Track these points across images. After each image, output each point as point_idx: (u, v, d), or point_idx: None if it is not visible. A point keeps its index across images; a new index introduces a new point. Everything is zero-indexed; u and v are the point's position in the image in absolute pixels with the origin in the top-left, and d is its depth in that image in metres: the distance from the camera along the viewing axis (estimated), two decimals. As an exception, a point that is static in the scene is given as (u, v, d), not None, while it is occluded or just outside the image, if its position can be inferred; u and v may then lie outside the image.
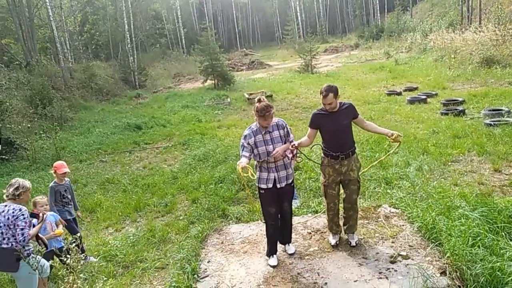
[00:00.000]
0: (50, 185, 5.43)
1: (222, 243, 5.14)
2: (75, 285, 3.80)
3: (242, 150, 4.25)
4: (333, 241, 4.66)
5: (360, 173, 4.62)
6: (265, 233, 4.60)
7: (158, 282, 4.57)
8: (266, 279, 4.17)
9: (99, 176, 9.51)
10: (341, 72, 23.41)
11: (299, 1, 53.52)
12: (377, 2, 46.04)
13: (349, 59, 30.51)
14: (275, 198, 4.38)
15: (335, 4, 58.53)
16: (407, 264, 4.06)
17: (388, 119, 11.06)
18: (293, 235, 4.80)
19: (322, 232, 5.02)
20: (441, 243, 4.20)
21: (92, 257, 5.35)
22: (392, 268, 4.03)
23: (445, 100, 11.82)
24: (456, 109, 10.41)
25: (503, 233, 4.12)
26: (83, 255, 4.21)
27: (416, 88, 15.12)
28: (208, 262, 4.66)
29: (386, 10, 45.65)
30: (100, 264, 5.10)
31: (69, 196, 5.48)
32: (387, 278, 3.89)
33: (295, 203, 6.05)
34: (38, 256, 3.93)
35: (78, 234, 4.84)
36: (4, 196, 3.92)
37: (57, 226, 4.88)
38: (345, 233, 4.70)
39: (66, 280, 3.86)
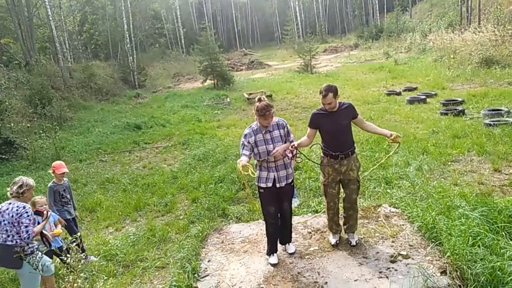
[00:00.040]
0: (48, 185, 5.43)
1: (222, 242, 5.14)
2: (75, 285, 3.80)
3: (242, 148, 4.26)
4: (333, 241, 4.66)
5: (361, 174, 4.62)
6: (265, 232, 4.61)
7: (159, 282, 4.57)
8: (267, 278, 4.17)
9: (99, 175, 9.51)
10: (340, 72, 23.42)
11: (298, 1, 53.52)
12: (377, 2, 46.09)
13: (349, 59, 30.54)
14: (275, 197, 4.39)
15: (335, 4, 58.55)
16: (407, 264, 4.06)
17: (388, 119, 11.07)
18: (293, 235, 4.80)
19: (322, 232, 5.02)
20: (441, 242, 4.21)
21: (92, 256, 5.35)
22: (393, 268, 4.04)
23: (444, 100, 11.83)
24: (456, 109, 10.42)
25: (503, 233, 4.13)
26: (83, 255, 4.21)
27: (415, 88, 15.14)
28: (209, 261, 4.66)
29: (385, 10, 45.71)
30: (101, 263, 5.10)
31: (68, 196, 5.48)
32: (387, 277, 3.90)
33: (295, 202, 6.07)
34: (39, 255, 3.94)
35: (78, 234, 4.84)
36: (8, 194, 3.98)
37: (55, 226, 4.88)
38: (345, 232, 4.71)
39: (66, 279, 3.87)
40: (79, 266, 3.81)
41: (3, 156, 11.36)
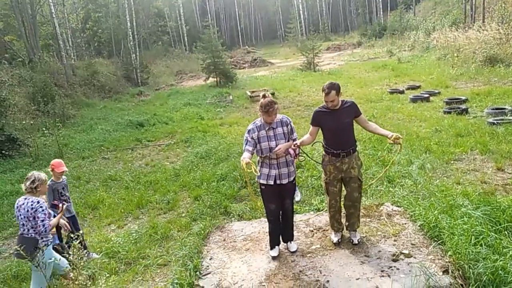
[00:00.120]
0: (47, 183, 5.42)
1: (224, 240, 5.15)
2: (77, 282, 3.82)
3: (246, 144, 4.29)
4: (335, 239, 4.66)
5: (368, 185, 4.59)
6: (267, 230, 4.62)
7: (160, 279, 4.59)
8: (268, 276, 4.18)
9: (101, 173, 9.54)
10: (343, 70, 23.36)
11: (301, -2, 53.40)
12: (380, 0, 45.88)
13: (352, 57, 30.45)
14: (276, 194, 4.40)
15: (338, 2, 58.31)
16: (409, 263, 4.05)
17: (391, 117, 11.04)
18: (295, 233, 4.80)
19: (324, 230, 5.02)
20: (444, 241, 4.20)
21: (94, 254, 5.36)
22: (394, 266, 4.03)
23: (448, 99, 11.77)
24: (459, 108, 10.37)
25: (506, 232, 4.12)
26: (85, 252, 4.23)
27: (418, 87, 15.06)
28: (210, 259, 4.67)
29: (389, 8, 45.46)
30: (103, 260, 5.12)
31: (67, 194, 5.47)
32: (389, 276, 3.89)
33: (296, 196, 6.09)
34: (44, 251, 3.98)
35: (80, 232, 4.85)
36: (23, 190, 4.09)
37: None
38: (347, 230, 4.71)
39: (69, 276, 3.88)
40: (81, 264, 3.82)
41: (7, 153, 11.41)
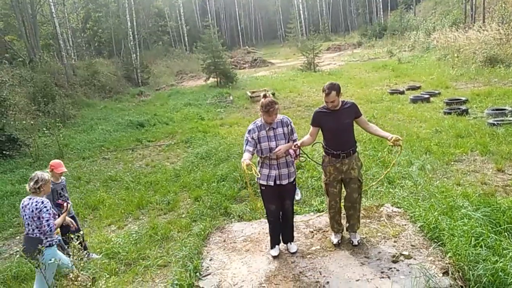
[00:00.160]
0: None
1: (224, 241, 5.15)
2: (76, 282, 3.82)
3: (246, 144, 4.30)
4: (335, 240, 4.66)
5: (368, 187, 4.59)
6: (267, 231, 4.63)
7: (160, 280, 4.59)
8: (268, 277, 4.18)
9: (101, 173, 9.54)
10: (343, 71, 23.35)
11: (302, -2, 53.39)
12: (380, 0, 45.87)
13: (352, 57, 30.44)
14: (276, 195, 4.41)
15: (338, 2, 58.28)
16: (409, 264, 4.06)
17: (391, 118, 11.03)
18: (295, 234, 4.81)
19: (324, 231, 5.02)
20: (444, 243, 4.20)
21: (94, 254, 5.37)
22: (394, 268, 4.04)
23: (448, 99, 11.77)
24: (459, 108, 10.37)
25: (506, 234, 4.12)
26: (86, 252, 4.24)
27: (419, 87, 15.06)
28: (210, 260, 4.68)
29: (389, 8, 45.43)
30: (103, 261, 5.12)
31: (66, 195, 5.47)
32: (389, 277, 3.90)
33: (297, 195, 6.10)
34: (51, 251, 4.02)
35: (81, 232, 4.85)
36: (27, 190, 4.12)
37: None
38: (347, 231, 4.71)
39: (69, 277, 3.89)
40: (81, 264, 3.82)
41: (7, 153, 11.41)
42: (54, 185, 5.28)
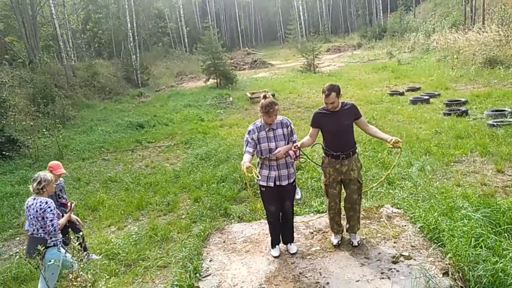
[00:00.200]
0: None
1: (224, 242, 5.15)
2: (75, 283, 3.82)
3: (246, 145, 4.31)
4: (335, 241, 4.66)
5: (369, 189, 4.58)
6: (267, 231, 4.64)
7: (160, 281, 4.58)
8: (268, 278, 4.18)
9: (101, 174, 9.53)
10: (343, 72, 23.37)
11: (301, 0, 53.45)
12: (380, 1, 45.97)
13: (352, 58, 30.47)
14: (276, 196, 4.42)
15: (338, 3, 58.41)
16: (409, 265, 4.06)
17: (391, 119, 11.04)
18: (295, 235, 4.81)
19: (324, 232, 5.02)
20: (444, 243, 4.20)
21: (94, 255, 5.36)
22: (394, 269, 4.04)
23: (447, 101, 11.78)
24: (459, 110, 10.38)
25: (506, 234, 4.12)
26: (85, 253, 4.24)
27: (418, 88, 15.08)
28: (210, 261, 4.67)
29: (389, 10, 45.54)
30: (103, 262, 5.11)
31: (65, 196, 5.46)
32: (389, 278, 3.90)
33: (297, 194, 6.10)
34: (55, 252, 4.05)
35: (80, 233, 4.85)
36: (31, 191, 4.18)
37: None
38: (347, 232, 4.71)
39: (68, 278, 3.88)
40: (81, 265, 3.82)
41: (7, 154, 11.40)
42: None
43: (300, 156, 4.42)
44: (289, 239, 4.69)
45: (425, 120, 10.34)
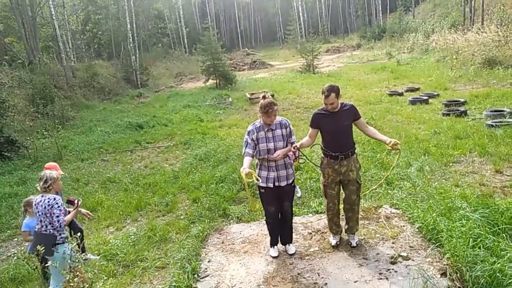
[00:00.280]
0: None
1: (222, 242, 5.15)
2: (72, 284, 3.81)
3: (246, 146, 4.31)
4: (333, 242, 4.66)
5: (368, 191, 4.57)
6: (265, 232, 4.64)
7: (159, 282, 4.58)
8: (266, 279, 4.17)
9: (100, 175, 9.53)
10: (342, 72, 23.38)
11: (301, 1, 53.53)
12: (380, 2, 46.01)
13: (351, 59, 30.49)
14: (275, 197, 4.42)
15: (337, 4, 58.48)
16: (408, 265, 4.05)
17: (390, 119, 11.04)
18: (293, 235, 4.80)
19: (322, 233, 5.02)
20: (442, 244, 4.20)
21: (91, 255, 5.35)
22: (393, 269, 4.03)
23: (446, 101, 11.79)
24: (458, 110, 10.38)
25: (504, 235, 4.11)
26: (83, 254, 4.24)
27: (418, 89, 15.09)
28: (209, 261, 4.67)
29: (388, 11, 45.58)
30: (101, 263, 5.11)
31: (61, 197, 5.45)
32: (387, 279, 3.89)
33: (297, 193, 6.10)
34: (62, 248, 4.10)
35: (78, 234, 4.84)
36: (39, 189, 4.28)
37: None
38: (345, 233, 4.70)
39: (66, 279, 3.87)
40: (79, 266, 3.81)
41: (5, 155, 11.41)
42: None
43: (300, 157, 4.42)
44: (287, 240, 4.69)
45: (424, 121, 10.34)
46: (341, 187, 4.54)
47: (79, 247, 4.20)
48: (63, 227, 4.20)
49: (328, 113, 4.32)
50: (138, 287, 4.57)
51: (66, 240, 4.21)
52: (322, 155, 4.54)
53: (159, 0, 44.75)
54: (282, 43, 56.23)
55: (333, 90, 4.17)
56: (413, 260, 4.13)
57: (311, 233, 5.06)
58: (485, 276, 3.49)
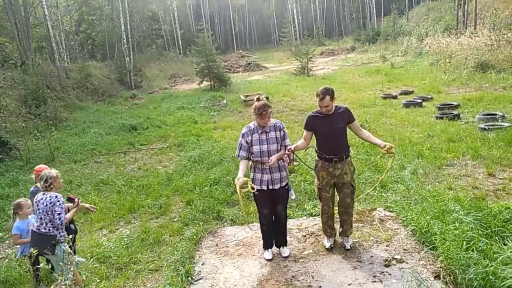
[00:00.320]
0: (30, 189, 5.28)
1: (216, 245, 5.13)
2: (63, 286, 3.77)
3: (240, 148, 4.33)
4: (327, 244, 4.66)
5: (363, 195, 4.58)
6: (259, 235, 4.62)
7: (152, 284, 4.54)
8: (260, 282, 4.16)
9: (93, 177, 9.45)
10: (337, 75, 23.47)
11: (296, 3, 53.73)
12: (374, 5, 46.34)
13: (345, 62, 30.62)
14: (269, 199, 4.41)
15: (332, 7, 58.77)
16: (401, 268, 4.06)
17: (384, 122, 11.09)
18: (288, 238, 4.79)
19: (317, 235, 5.02)
20: (435, 247, 4.21)
21: (79, 257, 5.28)
22: (386, 272, 4.04)
23: (440, 104, 11.87)
24: (451, 113, 10.46)
25: (496, 237, 4.14)
26: (75, 257, 4.21)
27: (411, 92, 15.18)
28: (202, 264, 4.65)
29: (382, 14, 45.93)
30: (94, 265, 5.06)
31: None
32: (381, 281, 3.90)
33: (291, 195, 6.10)
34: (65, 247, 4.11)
35: (70, 236, 4.79)
36: (41, 188, 4.32)
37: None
38: (339, 235, 4.71)
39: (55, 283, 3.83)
40: (71, 269, 3.78)
41: (-3, 156, 11.28)
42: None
43: (294, 159, 4.41)
44: (282, 243, 4.68)
45: (417, 124, 10.40)
46: (335, 190, 4.55)
47: (71, 248, 4.18)
48: (64, 224, 4.21)
49: (323, 116, 4.33)
50: (131, 290, 4.53)
51: (65, 238, 4.21)
52: (316, 158, 4.54)
53: (154, 1, 44.68)
54: (277, 45, 56.33)
55: (328, 92, 4.18)
56: (407, 263, 4.14)
57: (305, 236, 5.06)
58: (478, 278, 3.51)
